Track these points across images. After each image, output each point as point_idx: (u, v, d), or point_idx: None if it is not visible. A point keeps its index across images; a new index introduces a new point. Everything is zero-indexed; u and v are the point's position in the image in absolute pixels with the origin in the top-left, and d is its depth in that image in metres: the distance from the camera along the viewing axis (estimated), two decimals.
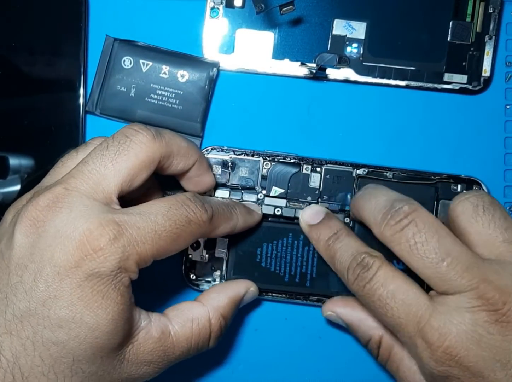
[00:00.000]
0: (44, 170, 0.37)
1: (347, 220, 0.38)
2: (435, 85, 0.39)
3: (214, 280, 0.38)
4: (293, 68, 0.38)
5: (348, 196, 0.38)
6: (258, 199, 0.38)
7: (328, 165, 0.38)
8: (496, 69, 0.39)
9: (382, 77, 0.39)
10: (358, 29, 0.38)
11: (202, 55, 0.39)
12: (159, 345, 0.30)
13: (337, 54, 0.38)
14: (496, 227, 0.30)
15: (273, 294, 0.38)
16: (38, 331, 0.26)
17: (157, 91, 0.38)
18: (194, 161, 0.33)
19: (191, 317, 0.32)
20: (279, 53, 0.39)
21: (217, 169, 0.38)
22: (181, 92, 0.38)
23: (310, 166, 0.38)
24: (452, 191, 0.38)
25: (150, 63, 0.38)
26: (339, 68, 0.39)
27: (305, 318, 0.39)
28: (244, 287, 0.35)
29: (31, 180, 0.37)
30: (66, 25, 0.38)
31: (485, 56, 0.39)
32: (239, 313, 0.39)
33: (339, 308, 0.35)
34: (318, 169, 0.38)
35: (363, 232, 0.37)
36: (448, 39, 0.39)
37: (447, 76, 0.39)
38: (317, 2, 0.38)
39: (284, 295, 0.38)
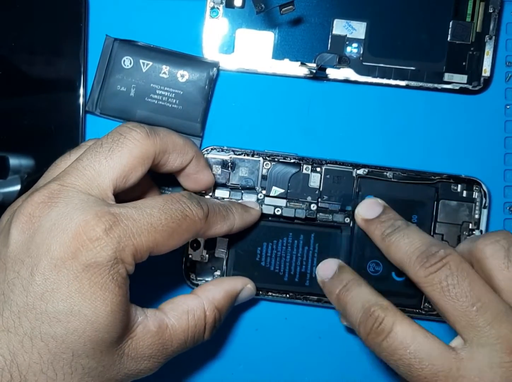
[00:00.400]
0: (44, 170, 0.37)
1: (347, 220, 0.38)
2: (435, 85, 0.39)
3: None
4: (293, 68, 0.38)
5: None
6: (258, 199, 0.38)
7: (328, 165, 0.38)
8: (496, 69, 0.39)
9: (382, 77, 0.39)
10: (358, 29, 0.38)
11: (202, 55, 0.39)
12: (157, 338, 0.30)
13: (337, 54, 0.38)
14: None
15: (273, 294, 0.38)
16: (36, 326, 0.26)
17: (157, 91, 0.38)
18: (191, 157, 0.33)
19: (186, 309, 0.32)
20: (279, 53, 0.39)
21: (217, 169, 0.38)
22: (181, 92, 0.38)
23: (310, 166, 0.38)
24: (452, 191, 0.38)
25: (150, 63, 0.38)
26: (339, 68, 0.38)
27: (305, 318, 0.39)
28: (241, 283, 0.35)
29: (31, 180, 0.37)
30: (66, 25, 0.38)
31: (485, 56, 0.39)
32: (240, 313, 0.39)
33: None
34: (318, 169, 0.38)
35: (363, 237, 0.37)
36: (448, 39, 0.39)
37: (447, 76, 0.39)
38: (317, 2, 0.38)
39: (284, 295, 0.38)
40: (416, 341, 0.29)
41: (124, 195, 0.30)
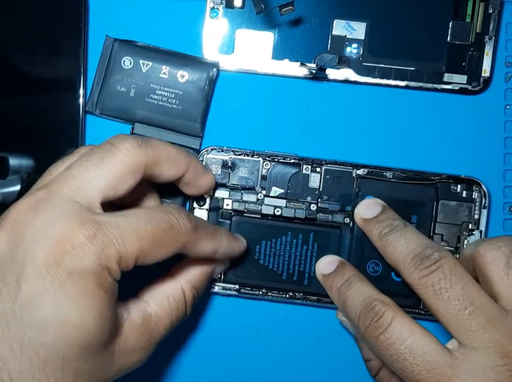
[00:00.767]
0: (44, 170, 0.37)
1: (347, 220, 0.38)
2: (435, 85, 0.39)
3: (214, 279, 0.38)
4: (293, 68, 0.38)
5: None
6: (258, 199, 0.38)
7: (328, 165, 0.38)
8: (496, 69, 0.39)
9: (382, 78, 0.39)
10: (358, 30, 0.38)
11: (202, 55, 0.39)
12: (144, 329, 0.30)
13: (337, 54, 0.38)
14: None
15: (273, 294, 0.38)
16: (25, 333, 0.26)
17: (157, 91, 0.38)
18: (185, 166, 0.33)
19: (166, 294, 0.32)
20: (279, 53, 0.39)
21: (217, 169, 0.38)
22: (181, 92, 0.38)
23: (310, 166, 0.38)
24: (452, 192, 0.38)
25: (150, 63, 0.38)
26: (339, 68, 0.39)
27: (304, 318, 0.39)
28: (218, 264, 0.36)
29: (31, 180, 0.37)
30: (66, 25, 0.38)
31: (485, 56, 0.39)
32: (239, 313, 0.39)
33: None
34: (318, 169, 0.38)
35: (363, 237, 0.37)
36: (448, 39, 0.39)
37: (447, 76, 0.39)
38: (317, 2, 0.38)
39: (284, 295, 0.38)
40: (413, 337, 0.29)
41: (115, 201, 0.30)
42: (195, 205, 0.38)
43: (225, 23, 0.38)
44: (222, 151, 0.38)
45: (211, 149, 0.38)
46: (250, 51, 0.38)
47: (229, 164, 0.38)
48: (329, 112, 0.39)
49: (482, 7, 0.38)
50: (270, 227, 0.38)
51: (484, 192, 0.38)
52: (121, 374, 0.30)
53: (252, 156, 0.38)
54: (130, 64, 0.38)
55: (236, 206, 0.38)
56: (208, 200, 0.38)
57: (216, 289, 0.38)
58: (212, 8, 0.38)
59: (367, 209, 0.36)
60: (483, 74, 0.39)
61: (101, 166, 0.29)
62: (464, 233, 0.38)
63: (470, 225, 0.38)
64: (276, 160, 0.38)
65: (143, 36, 0.38)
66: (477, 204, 0.38)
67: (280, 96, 0.39)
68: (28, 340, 0.26)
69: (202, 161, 0.38)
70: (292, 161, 0.38)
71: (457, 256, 0.38)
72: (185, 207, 0.38)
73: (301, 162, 0.38)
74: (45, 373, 0.26)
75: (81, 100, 0.38)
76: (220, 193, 0.38)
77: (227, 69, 0.39)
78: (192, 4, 0.39)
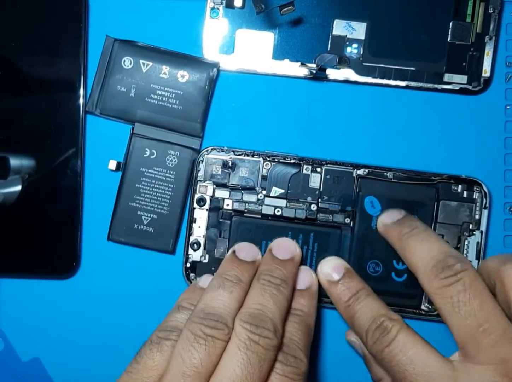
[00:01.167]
0: (44, 170, 0.37)
1: (347, 220, 0.38)
2: (435, 86, 0.39)
3: None
4: (293, 68, 0.38)
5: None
6: (258, 200, 0.38)
7: (328, 165, 0.38)
8: (496, 69, 0.39)
9: (382, 78, 0.39)
10: (358, 30, 0.38)
11: (202, 55, 0.39)
12: None
13: (337, 54, 0.37)
14: None
15: None
16: None
17: (157, 91, 0.38)
18: None
19: None
20: (279, 53, 0.39)
21: (217, 169, 0.38)
22: (181, 92, 0.38)
23: (310, 166, 0.38)
24: (453, 192, 0.38)
25: (150, 63, 0.38)
26: (339, 69, 0.38)
27: None
28: None
29: (32, 180, 0.37)
30: (66, 25, 0.38)
31: (485, 57, 0.39)
32: None
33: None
34: (318, 170, 0.38)
35: (363, 237, 0.37)
36: (448, 39, 0.39)
37: (447, 77, 0.39)
38: (317, 2, 0.38)
39: None
40: (415, 348, 0.30)
41: None
42: (195, 205, 0.38)
43: (225, 23, 0.38)
44: (222, 151, 0.38)
45: (211, 149, 0.38)
46: (250, 51, 0.38)
47: (229, 164, 0.38)
48: (329, 112, 0.39)
49: (482, 7, 0.38)
50: (271, 227, 0.38)
51: (484, 192, 0.38)
52: None
53: (253, 156, 0.38)
54: (130, 64, 0.38)
55: (237, 206, 0.38)
56: (208, 200, 0.38)
57: None
58: (212, 8, 0.38)
59: (389, 215, 0.36)
60: (483, 74, 0.39)
61: None
62: (464, 233, 0.38)
63: (470, 225, 0.38)
64: (276, 160, 0.38)
65: (143, 36, 0.38)
66: (477, 204, 0.38)
67: (280, 96, 0.39)
68: None
69: (202, 161, 0.38)
70: (292, 161, 0.38)
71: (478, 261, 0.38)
72: (185, 206, 0.38)
73: (301, 162, 0.38)
74: None
75: (81, 100, 0.38)
76: (220, 193, 0.38)
77: (227, 69, 0.39)
78: (192, 4, 0.39)
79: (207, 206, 0.38)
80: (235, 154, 0.38)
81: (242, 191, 0.38)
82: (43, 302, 0.39)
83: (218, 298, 0.32)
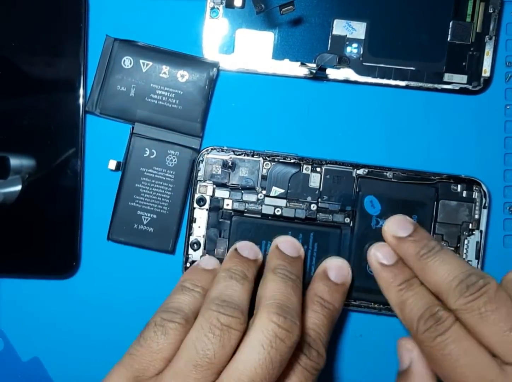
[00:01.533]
0: (45, 170, 0.37)
1: (347, 220, 0.38)
2: (435, 85, 0.39)
3: None
4: (293, 68, 0.38)
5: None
6: (258, 199, 0.38)
7: (328, 165, 0.38)
8: (496, 69, 0.39)
9: (382, 77, 0.39)
10: (358, 29, 0.38)
11: (202, 55, 0.39)
12: None
13: (337, 54, 0.38)
14: None
15: None
16: None
17: (157, 91, 0.38)
18: None
19: None
20: (279, 53, 0.39)
21: (217, 169, 0.38)
22: (181, 92, 0.38)
23: (310, 166, 0.38)
24: (452, 191, 0.38)
25: (150, 63, 0.38)
26: (339, 68, 0.38)
27: None
28: None
29: (32, 180, 0.37)
30: (66, 25, 0.38)
31: (485, 56, 0.39)
32: None
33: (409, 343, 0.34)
34: (318, 169, 0.38)
35: (363, 237, 0.37)
36: (448, 39, 0.39)
37: (447, 76, 0.39)
38: (317, 2, 0.38)
39: None
40: (469, 342, 0.30)
41: None
42: (195, 205, 0.38)
43: (225, 23, 0.38)
44: (222, 151, 0.38)
45: (211, 149, 0.38)
46: (250, 51, 0.38)
47: (229, 164, 0.38)
48: (329, 112, 0.39)
49: (482, 7, 0.38)
50: (271, 227, 0.38)
51: (484, 192, 0.38)
52: None
53: (252, 156, 0.38)
54: (130, 64, 0.38)
55: (236, 206, 0.38)
56: (208, 200, 0.38)
57: None
58: (212, 8, 0.38)
59: (399, 227, 0.35)
60: (483, 74, 0.39)
61: None
62: (464, 233, 0.38)
63: (470, 225, 0.38)
64: (276, 160, 0.38)
65: (143, 36, 0.38)
66: (477, 204, 0.38)
67: (280, 96, 0.39)
68: None
69: (202, 161, 0.38)
70: (292, 161, 0.38)
71: None
72: (185, 206, 0.38)
73: (301, 162, 0.38)
74: None
75: (81, 100, 0.38)
76: (220, 193, 0.38)
77: (227, 69, 0.39)
78: (192, 4, 0.39)
79: (207, 206, 0.38)
80: (235, 154, 0.38)
81: (242, 191, 0.38)
82: (43, 302, 0.39)
83: (232, 287, 0.32)
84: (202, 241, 0.38)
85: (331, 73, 0.39)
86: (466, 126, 0.39)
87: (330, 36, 0.38)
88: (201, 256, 0.38)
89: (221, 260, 0.37)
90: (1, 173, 0.37)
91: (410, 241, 0.34)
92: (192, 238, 0.38)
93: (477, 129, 0.39)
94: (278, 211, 0.37)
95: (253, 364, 0.28)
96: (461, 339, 0.30)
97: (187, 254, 0.38)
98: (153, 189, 0.38)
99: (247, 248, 0.35)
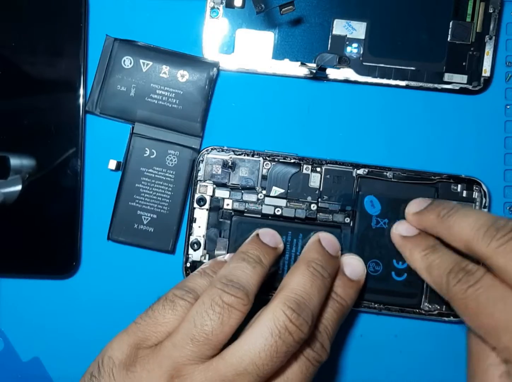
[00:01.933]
0: (45, 170, 0.37)
1: (347, 220, 0.38)
2: (435, 85, 0.39)
3: None
4: (293, 68, 0.38)
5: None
6: (258, 199, 0.38)
7: (328, 165, 0.38)
8: (496, 69, 0.39)
9: (382, 77, 0.39)
10: (358, 29, 0.38)
11: (202, 55, 0.39)
12: None
13: (337, 54, 0.37)
14: None
15: (273, 294, 0.38)
16: None
17: (157, 91, 0.38)
18: None
19: None
20: (279, 53, 0.39)
21: (217, 169, 0.38)
22: (181, 92, 0.38)
23: (310, 166, 0.38)
24: (452, 191, 0.38)
25: (150, 63, 0.38)
26: (339, 68, 0.39)
27: None
28: None
29: (32, 180, 0.37)
30: (66, 25, 0.38)
31: (485, 56, 0.39)
32: None
33: None
34: (318, 169, 0.38)
35: (363, 236, 0.37)
36: (448, 39, 0.39)
37: (447, 76, 0.39)
38: (317, 2, 0.38)
39: None
40: (500, 291, 0.29)
41: None
42: (195, 205, 0.38)
43: (225, 22, 0.38)
44: (223, 151, 0.38)
45: (211, 149, 0.38)
46: (250, 51, 0.38)
47: (230, 164, 0.38)
48: (329, 112, 0.39)
49: (482, 6, 0.38)
50: (271, 227, 0.38)
51: (484, 191, 0.38)
52: None
53: (253, 156, 0.38)
54: (130, 63, 0.38)
55: (237, 206, 0.38)
56: (208, 200, 0.38)
57: None
58: (212, 8, 0.38)
59: (417, 204, 0.36)
60: (483, 74, 0.39)
61: None
62: None
63: None
64: (276, 160, 0.38)
65: (143, 36, 0.38)
66: (477, 203, 0.38)
67: (280, 96, 0.39)
68: None
69: (202, 160, 0.38)
70: (292, 161, 0.38)
71: None
72: (185, 206, 0.38)
73: (301, 162, 0.38)
74: None
75: (81, 100, 0.38)
76: (220, 193, 0.38)
77: (227, 69, 0.39)
78: (192, 4, 0.39)
79: (207, 205, 0.38)
80: (235, 154, 0.38)
81: (242, 191, 0.38)
82: (43, 302, 0.39)
83: (242, 269, 0.32)
84: (202, 241, 0.38)
85: (331, 73, 0.39)
86: (466, 126, 0.40)
87: (330, 36, 0.39)
88: (201, 256, 0.38)
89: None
90: (1, 173, 0.37)
91: (430, 209, 0.35)
92: (192, 238, 0.38)
93: (477, 129, 0.40)
94: (278, 211, 0.37)
95: (258, 348, 0.29)
96: (492, 289, 0.30)
97: (187, 254, 0.38)
98: (153, 189, 0.38)
99: (268, 235, 0.35)
